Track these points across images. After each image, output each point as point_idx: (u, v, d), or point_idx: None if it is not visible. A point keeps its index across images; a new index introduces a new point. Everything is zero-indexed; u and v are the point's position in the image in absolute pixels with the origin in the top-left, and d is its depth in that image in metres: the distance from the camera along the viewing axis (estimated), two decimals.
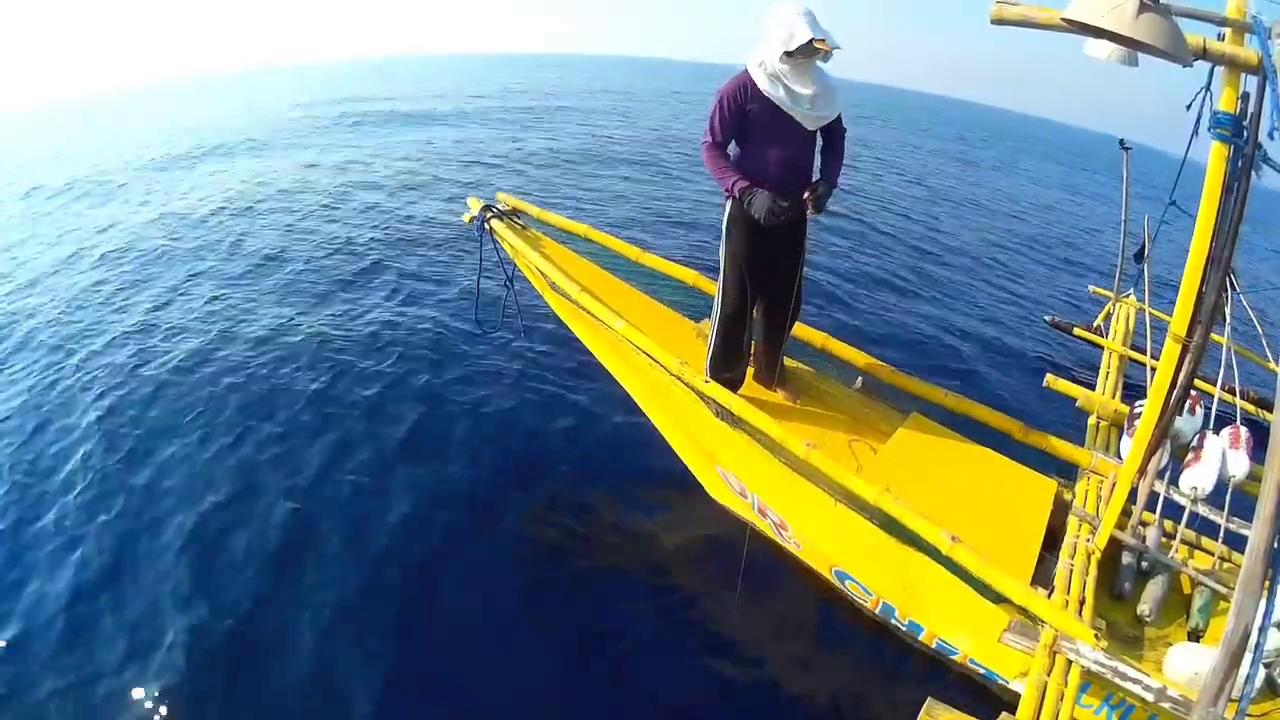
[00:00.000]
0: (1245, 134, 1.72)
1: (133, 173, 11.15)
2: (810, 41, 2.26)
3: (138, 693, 2.43)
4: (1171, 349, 2.04)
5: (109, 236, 7.60)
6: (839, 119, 2.57)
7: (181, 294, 5.83)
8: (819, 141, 2.62)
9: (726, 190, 2.52)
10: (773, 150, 2.49)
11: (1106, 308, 5.23)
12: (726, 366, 2.88)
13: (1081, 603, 2.13)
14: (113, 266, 6.61)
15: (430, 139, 13.37)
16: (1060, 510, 2.59)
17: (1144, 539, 2.46)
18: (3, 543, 3.16)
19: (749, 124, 2.47)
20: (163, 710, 2.38)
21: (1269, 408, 4.03)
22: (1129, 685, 1.92)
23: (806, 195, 2.50)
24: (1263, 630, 1.31)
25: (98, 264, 6.74)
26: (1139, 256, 4.75)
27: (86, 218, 8.51)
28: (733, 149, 2.58)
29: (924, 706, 1.96)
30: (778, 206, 2.42)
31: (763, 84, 2.39)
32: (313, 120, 16.33)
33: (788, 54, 2.30)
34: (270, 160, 11.59)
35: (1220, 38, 1.70)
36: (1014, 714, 1.82)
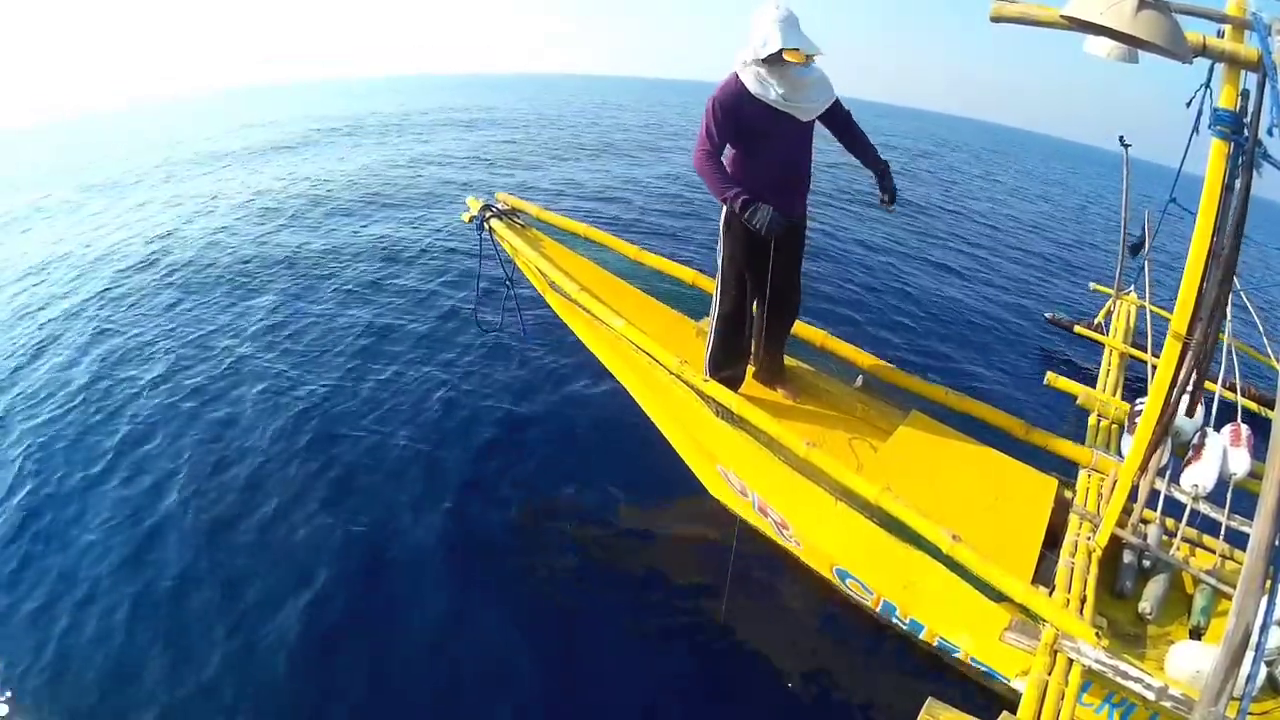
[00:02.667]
0: (1245, 131, 1.71)
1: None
2: (780, 51, 2.23)
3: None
4: (1172, 346, 2.04)
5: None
6: (838, 103, 2.53)
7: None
8: (816, 131, 2.59)
9: (723, 201, 2.49)
10: (771, 152, 2.47)
11: (1107, 305, 5.22)
12: (726, 365, 2.88)
13: (1082, 601, 2.13)
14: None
15: None
16: (1061, 508, 2.58)
17: (1145, 537, 2.45)
18: None
19: (744, 127, 2.43)
20: None
21: (1270, 405, 4.03)
22: (1130, 684, 1.92)
23: (884, 199, 2.62)
24: (1264, 628, 1.31)
25: (153, 272, 6.74)
26: (1135, 250, 4.72)
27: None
28: (730, 153, 2.55)
29: (924, 706, 1.96)
30: (778, 220, 2.38)
31: (753, 86, 2.37)
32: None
33: (761, 60, 2.28)
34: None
35: (1220, 35, 1.70)
36: (1015, 713, 1.82)
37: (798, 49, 2.23)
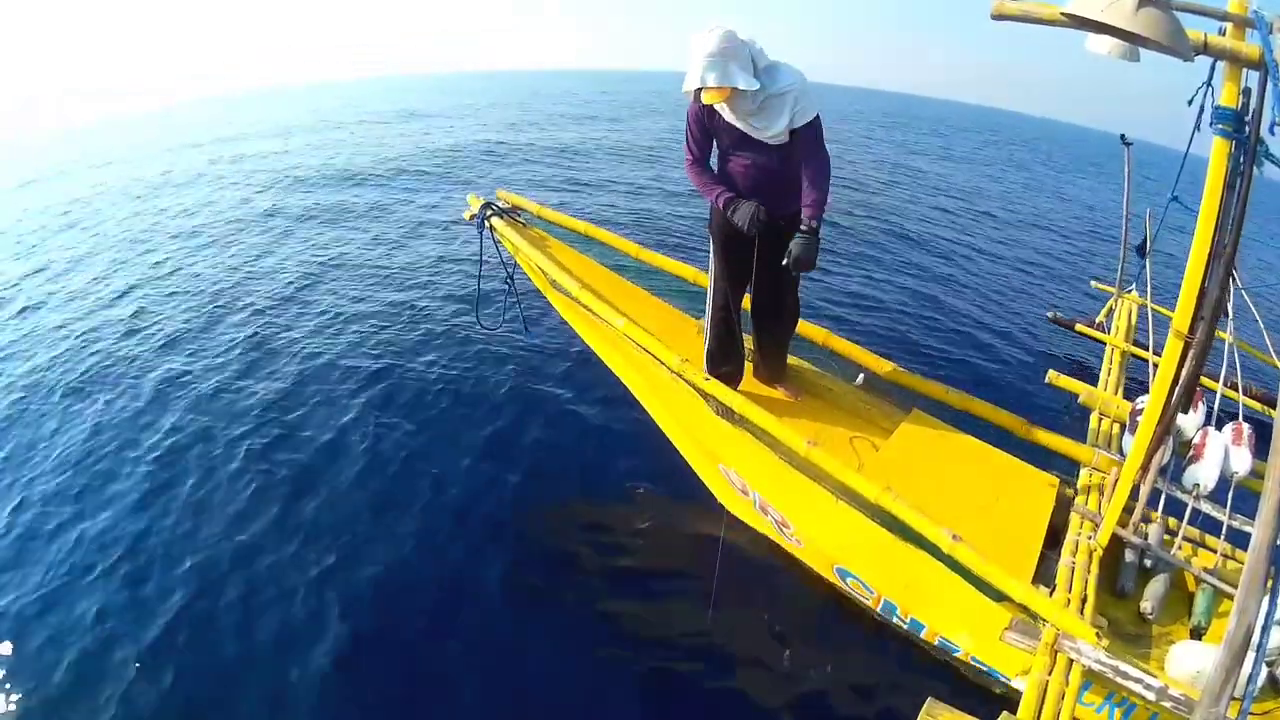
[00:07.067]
0: (1247, 129, 1.71)
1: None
2: (698, 91, 2.23)
3: None
4: (1174, 345, 2.03)
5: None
6: (808, 126, 2.33)
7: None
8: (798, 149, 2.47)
9: (712, 201, 2.56)
10: (742, 160, 2.49)
11: (1108, 303, 5.21)
12: (722, 362, 2.89)
13: (1083, 601, 2.13)
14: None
15: None
16: (1062, 507, 2.58)
17: (1146, 536, 2.45)
18: None
19: (717, 138, 2.50)
20: None
21: (1272, 404, 4.03)
22: (1131, 684, 1.92)
23: (785, 262, 2.44)
24: (1266, 628, 1.31)
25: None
26: (1141, 250, 4.73)
27: None
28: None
29: (924, 706, 1.96)
30: (759, 215, 2.43)
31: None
32: None
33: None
34: None
35: (1221, 32, 1.69)
36: (1015, 713, 1.82)
37: (716, 87, 2.16)
